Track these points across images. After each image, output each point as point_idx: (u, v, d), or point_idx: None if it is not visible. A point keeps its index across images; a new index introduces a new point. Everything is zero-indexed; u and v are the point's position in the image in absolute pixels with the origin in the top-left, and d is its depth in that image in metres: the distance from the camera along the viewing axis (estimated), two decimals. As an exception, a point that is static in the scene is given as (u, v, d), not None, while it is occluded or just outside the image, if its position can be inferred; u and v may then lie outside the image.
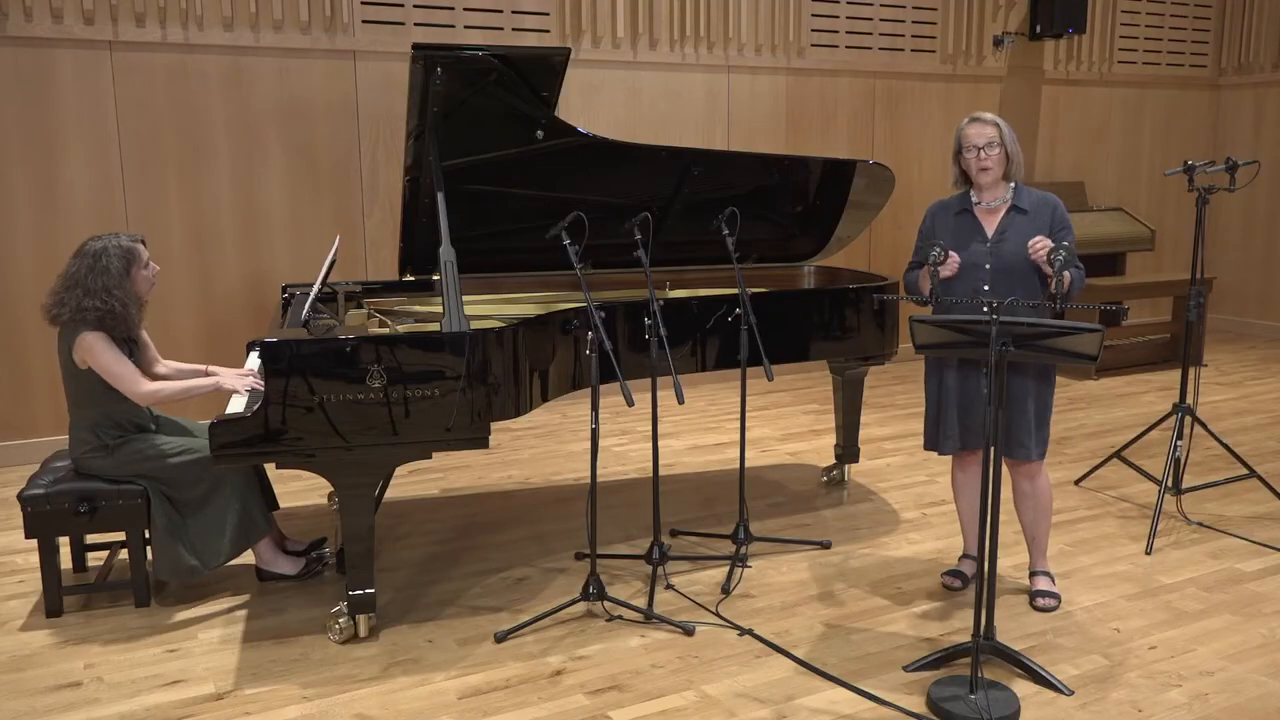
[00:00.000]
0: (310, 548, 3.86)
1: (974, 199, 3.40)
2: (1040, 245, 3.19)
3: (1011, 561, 3.84)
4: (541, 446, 5.49)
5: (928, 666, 3.07)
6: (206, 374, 3.70)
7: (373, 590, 3.29)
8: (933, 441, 3.53)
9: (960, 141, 3.36)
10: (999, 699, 2.84)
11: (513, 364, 3.33)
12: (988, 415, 2.84)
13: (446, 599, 3.61)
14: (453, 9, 5.82)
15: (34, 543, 3.46)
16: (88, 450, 3.46)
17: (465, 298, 3.47)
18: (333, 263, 3.82)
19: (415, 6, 5.74)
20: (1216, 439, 4.62)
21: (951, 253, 3.29)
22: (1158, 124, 8.46)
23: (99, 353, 3.35)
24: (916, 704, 2.89)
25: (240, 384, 3.49)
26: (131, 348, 3.51)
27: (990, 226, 3.35)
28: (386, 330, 3.71)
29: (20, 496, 3.41)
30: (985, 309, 2.81)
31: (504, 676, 3.07)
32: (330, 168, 5.68)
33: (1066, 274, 3.06)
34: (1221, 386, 6.75)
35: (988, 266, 3.30)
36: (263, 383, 3.10)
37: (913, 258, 3.52)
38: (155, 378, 3.63)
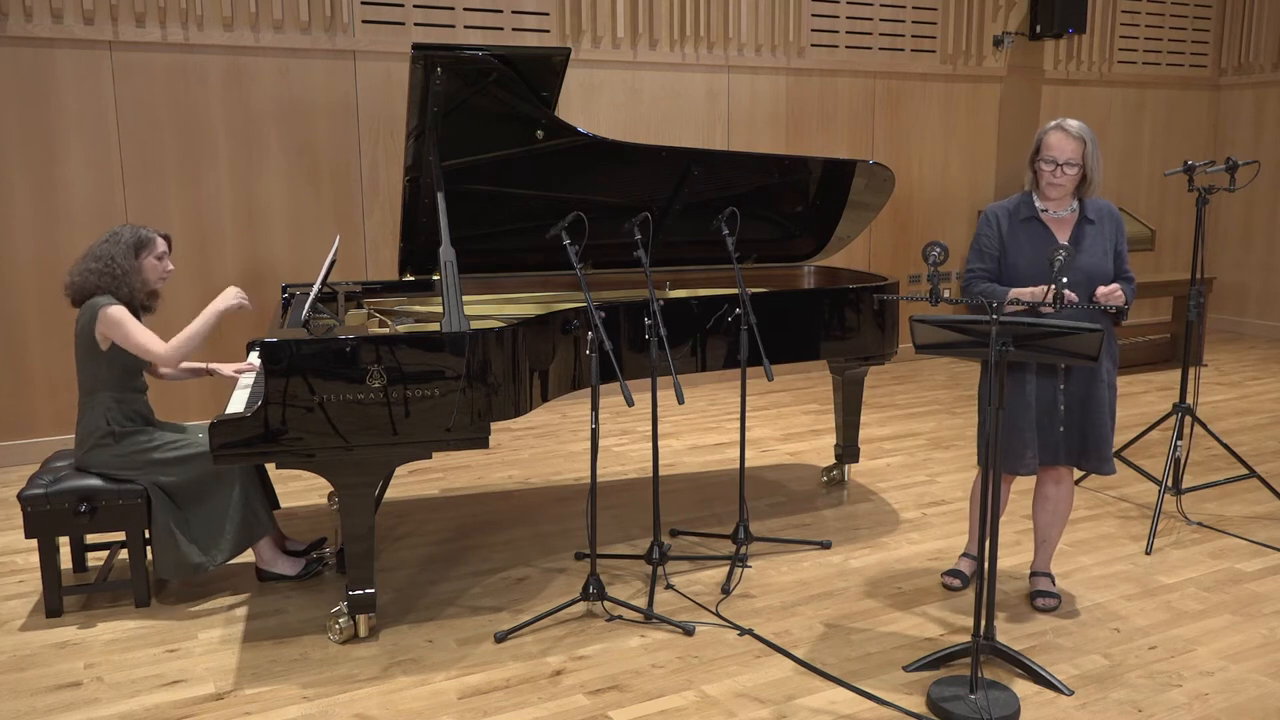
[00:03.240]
0: (310, 548, 3.87)
1: (1039, 205, 3.29)
2: (1116, 296, 3.15)
3: (1011, 561, 3.84)
4: (541, 446, 5.49)
5: (928, 666, 3.07)
6: (208, 369, 3.85)
7: (373, 590, 3.29)
8: (1007, 463, 3.27)
9: (1039, 146, 3.22)
10: (999, 699, 2.84)
11: (512, 364, 3.33)
12: (990, 420, 2.83)
13: (446, 599, 3.61)
14: (453, 9, 5.82)
15: (34, 543, 3.46)
16: (95, 439, 3.46)
17: (465, 298, 3.47)
18: (333, 263, 3.83)
19: (415, 6, 5.74)
20: (1216, 439, 4.62)
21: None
22: (1158, 124, 8.46)
23: (120, 323, 3.40)
24: (916, 704, 2.89)
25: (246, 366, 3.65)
26: None
27: (1063, 236, 3.27)
28: (386, 330, 3.71)
29: (20, 496, 3.41)
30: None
31: (504, 676, 3.07)
32: (330, 168, 5.68)
33: (1119, 291, 3.16)
34: (1221, 386, 6.75)
35: (1065, 279, 3.14)
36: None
37: (973, 263, 3.36)
38: (160, 378, 3.76)
